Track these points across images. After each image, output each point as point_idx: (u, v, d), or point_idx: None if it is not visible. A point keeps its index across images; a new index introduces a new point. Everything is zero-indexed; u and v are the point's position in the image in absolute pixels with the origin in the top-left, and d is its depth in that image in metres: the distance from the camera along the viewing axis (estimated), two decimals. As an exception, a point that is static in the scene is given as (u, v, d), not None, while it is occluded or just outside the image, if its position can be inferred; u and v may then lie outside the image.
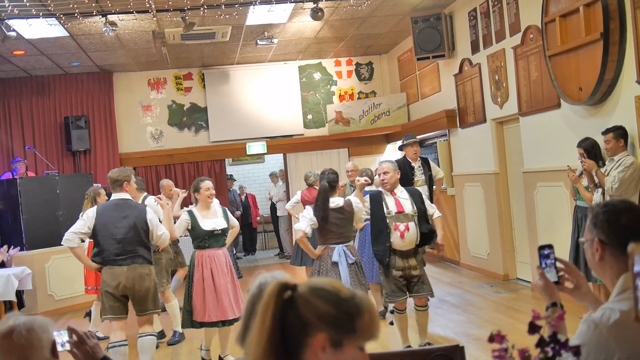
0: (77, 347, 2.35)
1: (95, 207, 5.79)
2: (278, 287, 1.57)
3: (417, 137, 11.17)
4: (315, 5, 8.46)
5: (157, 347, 6.15)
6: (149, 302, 5.59)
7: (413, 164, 8.40)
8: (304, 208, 6.20)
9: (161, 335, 7.21)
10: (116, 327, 5.53)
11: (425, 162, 8.55)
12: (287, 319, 1.54)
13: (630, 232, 2.05)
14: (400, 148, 8.85)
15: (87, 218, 5.56)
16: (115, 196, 5.70)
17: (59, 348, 2.30)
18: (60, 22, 8.28)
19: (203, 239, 5.89)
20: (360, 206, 5.87)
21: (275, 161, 15.11)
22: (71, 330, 2.36)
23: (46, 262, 9.26)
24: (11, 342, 2.16)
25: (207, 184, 6.03)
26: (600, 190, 5.93)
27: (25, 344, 2.17)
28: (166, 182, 8.51)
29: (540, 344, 1.81)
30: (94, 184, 9.31)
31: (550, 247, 2.23)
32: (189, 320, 5.85)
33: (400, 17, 10.05)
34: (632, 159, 5.73)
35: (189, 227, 5.92)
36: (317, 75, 12.90)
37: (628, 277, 2.04)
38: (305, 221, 5.76)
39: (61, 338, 2.32)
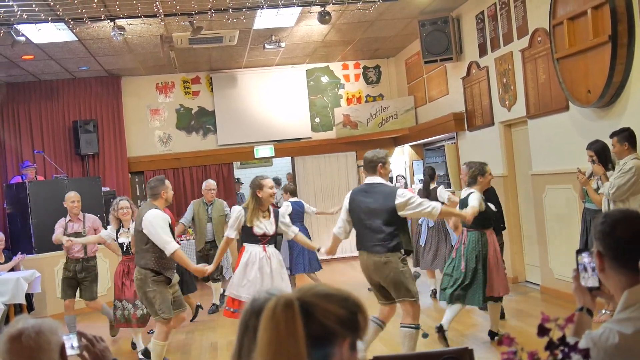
0: (87, 350, 2.35)
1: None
2: (291, 301, 1.50)
3: (424, 140, 11.31)
4: (323, 9, 8.47)
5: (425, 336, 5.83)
6: (398, 289, 5.19)
7: None
8: None
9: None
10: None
11: None
12: (311, 332, 1.49)
13: (626, 244, 2.01)
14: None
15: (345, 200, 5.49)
16: (366, 180, 5.49)
17: (69, 352, 2.31)
18: (68, 27, 8.32)
19: (491, 221, 6.13)
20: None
21: (283, 164, 15.12)
22: (80, 334, 2.36)
23: (55, 265, 9.29)
24: (20, 344, 2.16)
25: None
26: None
27: (34, 346, 2.16)
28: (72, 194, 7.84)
29: (550, 346, 1.80)
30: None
31: (588, 251, 2.19)
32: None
33: (408, 21, 10.04)
34: (634, 163, 5.67)
35: (482, 209, 5.82)
36: (324, 79, 12.91)
37: (632, 292, 2.00)
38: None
39: (70, 342, 2.32)
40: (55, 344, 2.22)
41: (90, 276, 7.60)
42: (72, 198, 7.75)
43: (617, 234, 2.03)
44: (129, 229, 6.70)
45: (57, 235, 7.57)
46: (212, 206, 8.90)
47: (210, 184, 9.04)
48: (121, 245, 6.85)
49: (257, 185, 5.87)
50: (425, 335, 5.83)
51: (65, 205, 7.79)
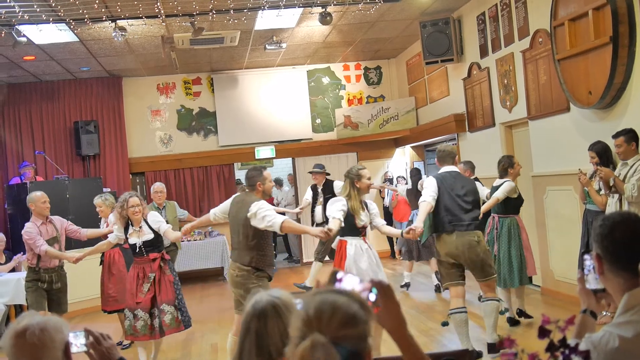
0: (93, 348, 2.35)
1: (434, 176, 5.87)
2: (327, 345, 1.48)
3: (424, 141, 11.31)
4: (324, 9, 8.47)
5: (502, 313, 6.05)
6: (485, 268, 5.60)
7: (318, 188, 9.65)
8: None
9: None
10: (454, 294, 5.66)
11: (327, 185, 9.53)
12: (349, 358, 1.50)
13: (623, 247, 2.00)
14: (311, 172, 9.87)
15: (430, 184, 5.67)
16: (445, 169, 5.79)
17: (75, 349, 2.31)
18: (70, 28, 8.32)
19: (520, 208, 6.89)
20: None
21: (284, 165, 15.12)
22: (87, 332, 2.36)
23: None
24: (24, 341, 2.17)
25: None
26: (616, 196, 5.87)
27: (38, 343, 2.17)
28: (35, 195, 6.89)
29: (550, 348, 1.80)
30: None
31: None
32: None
33: (409, 22, 10.05)
34: None
35: (513, 196, 6.70)
36: (325, 80, 12.92)
37: (632, 295, 1.99)
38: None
39: (77, 340, 2.32)
40: (60, 342, 2.22)
41: (64, 287, 6.80)
42: (42, 198, 6.81)
43: (615, 236, 2.02)
44: (140, 227, 6.03)
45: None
46: (164, 210, 8.59)
47: (157, 186, 8.70)
48: (133, 246, 6.06)
49: (355, 175, 5.56)
50: (445, 324, 6.18)
51: (32, 208, 6.81)
